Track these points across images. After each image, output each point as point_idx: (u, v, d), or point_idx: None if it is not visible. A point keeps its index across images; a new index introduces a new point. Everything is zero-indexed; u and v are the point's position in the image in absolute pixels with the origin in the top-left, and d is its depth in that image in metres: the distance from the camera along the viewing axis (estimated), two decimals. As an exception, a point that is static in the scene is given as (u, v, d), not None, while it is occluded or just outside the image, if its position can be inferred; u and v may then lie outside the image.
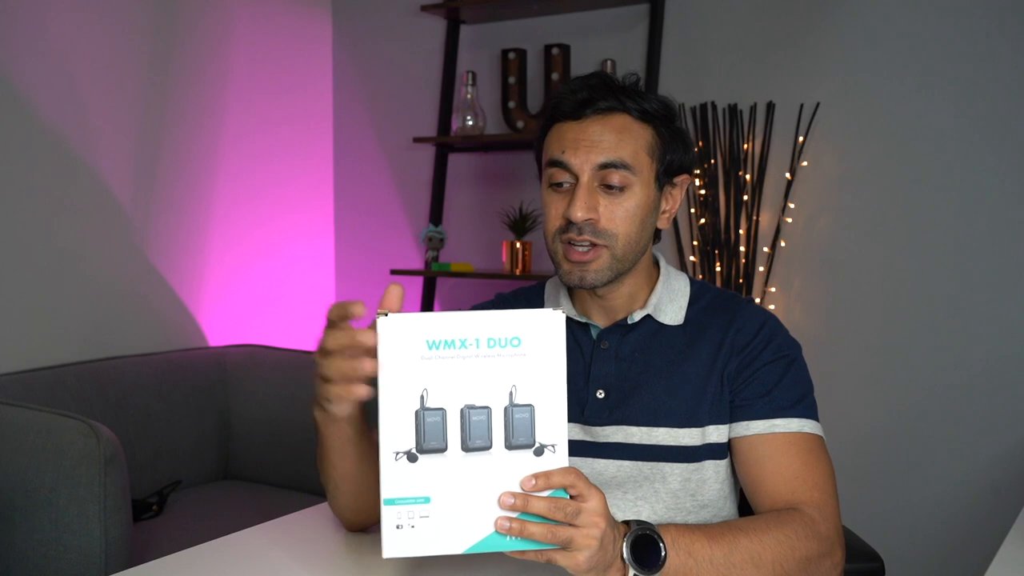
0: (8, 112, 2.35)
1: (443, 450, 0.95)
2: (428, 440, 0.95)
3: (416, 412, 0.95)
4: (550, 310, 0.97)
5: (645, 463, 1.23)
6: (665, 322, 1.28)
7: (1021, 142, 2.32)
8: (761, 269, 2.61)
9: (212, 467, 2.63)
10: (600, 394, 1.26)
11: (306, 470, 2.54)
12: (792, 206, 2.58)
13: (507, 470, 0.95)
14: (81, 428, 1.82)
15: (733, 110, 2.62)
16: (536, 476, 0.95)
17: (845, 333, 2.52)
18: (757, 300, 2.60)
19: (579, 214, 1.19)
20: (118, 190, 2.61)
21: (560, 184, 1.22)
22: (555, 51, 2.82)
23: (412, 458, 0.95)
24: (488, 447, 0.95)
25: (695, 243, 2.67)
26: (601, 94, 1.22)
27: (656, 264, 1.33)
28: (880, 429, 2.49)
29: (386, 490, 0.94)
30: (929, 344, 2.42)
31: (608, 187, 1.21)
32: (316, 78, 3.29)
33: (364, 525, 1.26)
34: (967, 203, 2.38)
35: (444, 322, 0.95)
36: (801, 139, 2.54)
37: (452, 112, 3.00)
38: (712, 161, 2.64)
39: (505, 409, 0.96)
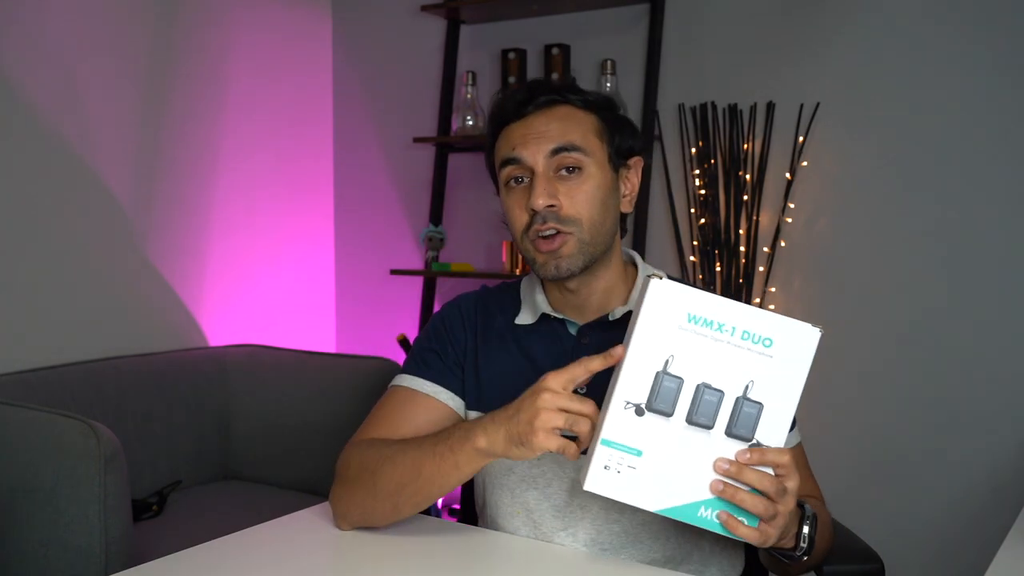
0: (8, 112, 2.35)
1: (669, 415, 1.00)
2: (659, 401, 1.00)
3: (657, 373, 1.00)
4: (810, 326, 1.01)
5: None
6: None
7: (1021, 142, 2.32)
8: (761, 269, 2.61)
9: (212, 467, 2.62)
10: (582, 391, 1.26)
11: (306, 470, 2.54)
12: (792, 206, 2.57)
13: (720, 453, 1.00)
14: (81, 428, 1.82)
15: (733, 110, 2.62)
16: (752, 450, 0.99)
17: (845, 333, 2.52)
18: (757, 300, 2.60)
19: (540, 201, 1.21)
20: (118, 190, 2.61)
21: (518, 180, 1.25)
22: (555, 51, 2.82)
23: (639, 412, 1.00)
24: (710, 427, 1.00)
25: (695, 243, 2.67)
26: (541, 90, 1.26)
27: (633, 263, 1.35)
28: (880, 429, 2.49)
29: (607, 431, 1.00)
30: (929, 344, 2.42)
31: (565, 171, 1.23)
32: (316, 78, 3.29)
33: (368, 526, 1.25)
34: (967, 203, 2.38)
35: (709, 302, 1.01)
36: (801, 139, 2.54)
37: (452, 112, 3.00)
38: (712, 161, 2.64)
39: (737, 399, 1.00)
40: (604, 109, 1.29)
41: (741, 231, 2.61)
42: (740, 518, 0.99)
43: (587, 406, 1.04)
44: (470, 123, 2.91)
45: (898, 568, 2.27)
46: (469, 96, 2.92)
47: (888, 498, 2.47)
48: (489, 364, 1.33)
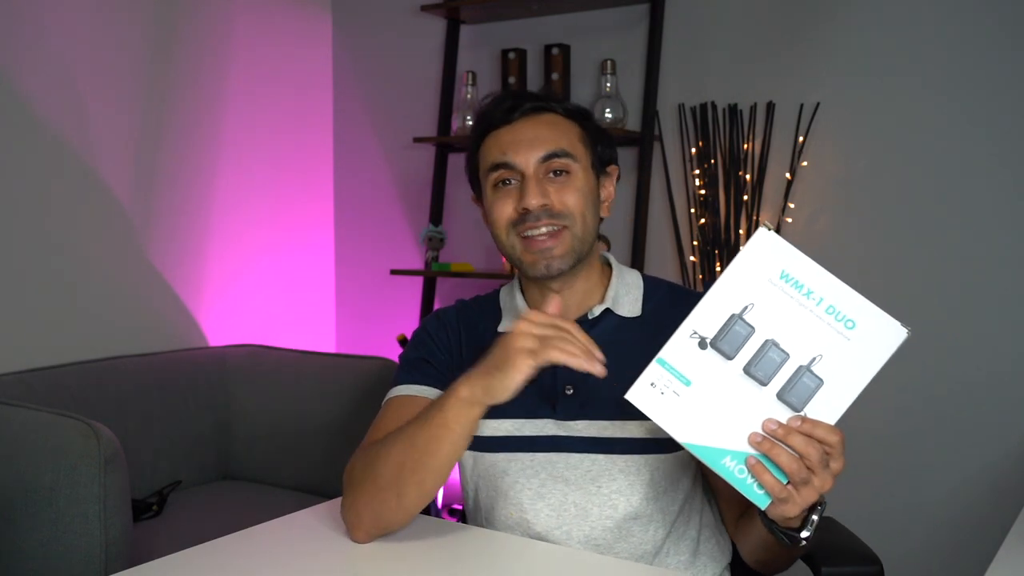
0: (8, 112, 2.35)
1: (729, 358, 1.00)
2: (724, 342, 1.01)
3: (732, 314, 1.01)
4: (899, 324, 1.03)
5: (619, 456, 1.26)
6: (623, 314, 1.32)
7: (1021, 141, 2.32)
8: (761, 269, 2.61)
9: (212, 467, 2.62)
10: (569, 390, 1.29)
11: (306, 470, 2.54)
12: (792, 206, 2.58)
13: (764, 412, 1.00)
14: (81, 428, 1.82)
15: (733, 110, 2.62)
16: (804, 419, 0.99)
17: (845, 333, 2.52)
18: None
19: (534, 201, 1.24)
20: (118, 190, 2.61)
21: (506, 182, 1.28)
22: (555, 51, 2.82)
23: (702, 345, 1.01)
24: (764, 383, 1.00)
25: (695, 243, 2.67)
26: (527, 98, 1.30)
27: (607, 264, 1.39)
28: (880, 429, 2.49)
29: (665, 352, 1.02)
30: (929, 344, 2.42)
31: (554, 174, 1.27)
32: (316, 78, 3.29)
33: (382, 530, 1.23)
34: (968, 203, 2.38)
35: (807, 267, 1.01)
36: (801, 139, 2.54)
37: (452, 112, 3.00)
38: (712, 161, 2.64)
39: (799, 367, 1.00)
40: (584, 119, 1.33)
41: (741, 231, 2.61)
42: (770, 468, 0.98)
43: (565, 324, 1.08)
44: (470, 123, 2.91)
45: (898, 568, 2.27)
46: (469, 96, 2.92)
47: (888, 498, 2.47)
48: None
